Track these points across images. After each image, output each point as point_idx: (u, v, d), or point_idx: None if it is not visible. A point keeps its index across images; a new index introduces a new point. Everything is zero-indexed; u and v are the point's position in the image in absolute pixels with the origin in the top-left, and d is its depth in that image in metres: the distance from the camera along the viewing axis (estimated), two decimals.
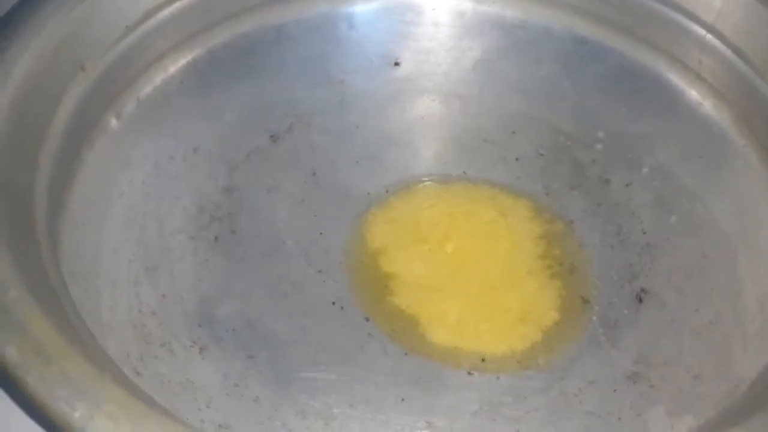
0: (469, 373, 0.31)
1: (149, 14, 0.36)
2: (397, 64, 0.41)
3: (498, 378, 0.30)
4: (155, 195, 0.36)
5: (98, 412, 0.19)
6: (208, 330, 0.32)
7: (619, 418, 0.29)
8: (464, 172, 0.38)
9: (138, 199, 0.35)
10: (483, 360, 0.31)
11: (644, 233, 0.35)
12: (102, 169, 0.34)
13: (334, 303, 0.33)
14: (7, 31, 0.31)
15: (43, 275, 0.25)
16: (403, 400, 0.30)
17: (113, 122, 0.36)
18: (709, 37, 0.35)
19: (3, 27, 0.31)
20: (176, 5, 0.37)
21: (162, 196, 0.36)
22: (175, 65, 0.38)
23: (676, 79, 0.37)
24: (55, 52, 0.31)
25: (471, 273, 0.34)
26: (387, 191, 0.37)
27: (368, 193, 0.37)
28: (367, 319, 0.32)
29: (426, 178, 0.38)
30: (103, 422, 0.19)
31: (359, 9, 0.41)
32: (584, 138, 0.38)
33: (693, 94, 0.36)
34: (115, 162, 0.35)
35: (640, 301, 0.33)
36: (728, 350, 0.29)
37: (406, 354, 0.31)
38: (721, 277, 0.32)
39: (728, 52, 0.35)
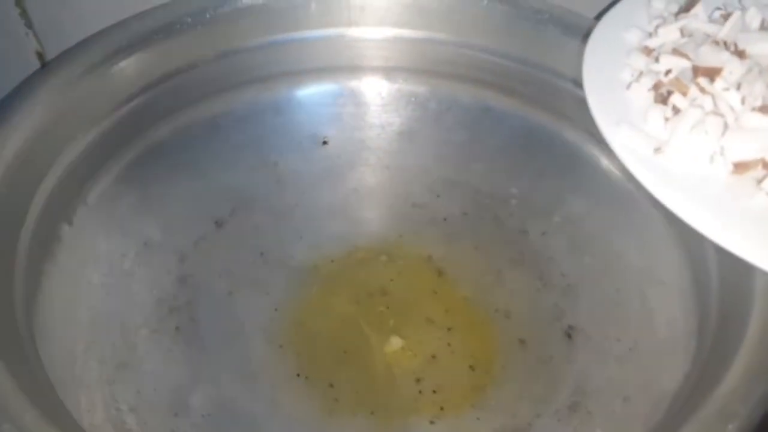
0: (431, 422, 0.34)
1: (96, 121, 0.38)
2: (325, 142, 0.45)
3: (457, 423, 0.34)
4: (114, 293, 0.37)
5: None
6: (185, 418, 0.33)
7: None
8: (400, 236, 0.42)
9: (99, 299, 0.37)
10: (442, 409, 0.34)
11: (563, 275, 0.39)
12: (62, 276, 0.36)
13: (298, 375, 0.36)
14: None
15: (35, 382, 0.27)
16: None
17: (66, 229, 0.37)
18: None
19: None
20: (120, 111, 0.39)
21: (120, 294, 0.37)
22: (118, 165, 0.40)
23: (573, 137, 0.41)
24: (18, 169, 0.33)
25: (423, 331, 0.37)
26: (332, 261, 0.40)
27: (315, 266, 0.40)
28: (331, 386, 0.35)
29: (367, 246, 0.41)
30: None
31: (283, 96, 0.45)
32: (500, 195, 0.42)
33: (589, 149, 0.41)
34: (72, 267, 0.36)
35: (569, 336, 0.37)
36: (649, 371, 0.34)
37: (372, 413, 0.34)
38: (634, 307, 0.37)
39: None
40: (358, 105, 0.45)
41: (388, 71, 0.45)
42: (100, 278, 0.37)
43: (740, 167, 0.28)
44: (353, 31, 0.43)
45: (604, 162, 0.41)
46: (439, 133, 0.45)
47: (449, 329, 0.37)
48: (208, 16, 0.41)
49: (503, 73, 0.43)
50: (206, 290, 0.39)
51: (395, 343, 0.36)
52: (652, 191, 0.28)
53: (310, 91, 0.45)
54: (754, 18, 0.32)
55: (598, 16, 0.38)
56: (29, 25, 0.48)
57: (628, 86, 0.31)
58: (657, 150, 0.29)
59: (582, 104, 0.41)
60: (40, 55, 0.49)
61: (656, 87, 0.31)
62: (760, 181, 0.27)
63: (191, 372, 0.35)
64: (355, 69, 0.45)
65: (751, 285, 0.29)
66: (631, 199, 0.39)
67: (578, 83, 0.40)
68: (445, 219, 0.42)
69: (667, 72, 0.31)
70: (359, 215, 0.43)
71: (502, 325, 0.38)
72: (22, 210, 0.34)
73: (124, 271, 0.38)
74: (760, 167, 0.28)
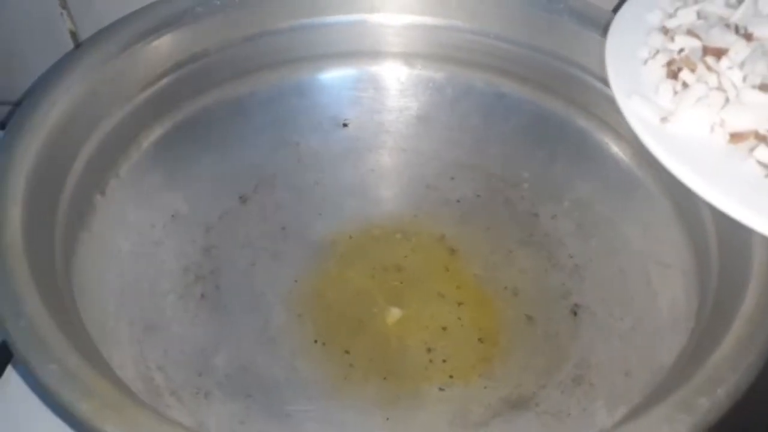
0: (441, 389, 0.36)
1: (128, 99, 0.40)
2: (345, 125, 0.46)
3: (465, 391, 0.36)
4: (143, 261, 0.39)
5: None
6: (209, 377, 0.36)
7: (569, 414, 0.34)
8: (415, 216, 0.43)
9: (128, 266, 0.39)
10: (451, 377, 0.36)
11: (571, 257, 0.41)
12: (94, 244, 0.38)
13: (316, 341, 0.38)
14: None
15: (77, 335, 0.29)
16: (387, 419, 0.35)
17: (99, 199, 0.39)
18: (607, 89, 0.42)
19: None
20: (150, 90, 0.41)
21: (149, 262, 0.40)
22: (147, 141, 0.42)
23: (584, 124, 0.43)
24: (56, 142, 0.35)
25: (435, 305, 0.39)
26: (350, 237, 0.42)
27: (333, 241, 0.42)
28: (347, 352, 0.37)
29: (382, 224, 0.43)
30: None
31: (306, 80, 0.46)
32: (512, 179, 0.44)
33: (599, 136, 0.43)
34: (105, 235, 0.38)
35: (575, 314, 0.39)
36: (650, 348, 0.35)
37: (385, 378, 0.36)
38: (638, 287, 0.38)
39: None
40: (377, 89, 0.47)
41: (407, 57, 0.46)
42: (130, 246, 0.39)
43: (736, 137, 0.30)
44: (375, 18, 0.45)
45: (614, 148, 0.42)
46: (455, 117, 0.46)
47: (460, 304, 0.39)
48: (236, 0, 0.43)
49: (518, 60, 0.45)
50: (230, 261, 0.41)
51: (395, 313, 0.38)
52: (656, 155, 0.30)
53: (332, 75, 0.46)
54: (766, 4, 0.34)
55: (615, 9, 0.40)
56: (64, 5, 0.50)
57: (645, 62, 0.33)
58: (663, 119, 0.31)
59: (593, 92, 0.43)
60: (74, 35, 0.51)
61: (669, 64, 0.33)
62: (752, 150, 0.30)
63: (215, 336, 0.37)
64: (375, 54, 0.46)
65: (747, 267, 0.31)
66: (638, 184, 0.41)
67: (590, 71, 0.42)
68: (458, 200, 0.44)
69: (680, 51, 0.33)
70: (376, 194, 0.45)
71: (511, 302, 0.39)
72: (61, 180, 0.36)
73: (152, 241, 0.40)
74: (752, 137, 0.30)
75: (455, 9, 0.44)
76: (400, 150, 0.46)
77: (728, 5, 0.35)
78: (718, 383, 0.26)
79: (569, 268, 0.41)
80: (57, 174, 0.36)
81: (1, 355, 0.36)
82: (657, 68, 0.33)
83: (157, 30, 0.42)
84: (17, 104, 0.48)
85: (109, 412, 0.25)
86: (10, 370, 0.37)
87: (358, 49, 0.46)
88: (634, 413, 0.26)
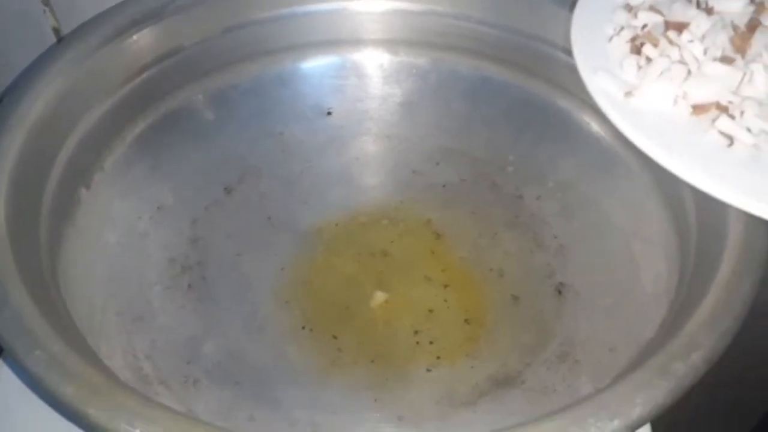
0: (428, 370, 0.36)
1: (110, 93, 0.40)
2: (329, 113, 0.47)
3: (452, 371, 0.36)
4: (130, 253, 0.40)
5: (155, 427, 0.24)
6: (197, 366, 0.36)
7: (555, 390, 0.35)
8: (401, 201, 0.44)
9: (115, 259, 0.39)
10: (438, 358, 0.36)
11: (555, 237, 0.41)
12: (80, 237, 0.38)
13: (303, 327, 0.38)
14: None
15: (63, 324, 0.29)
16: (375, 400, 0.35)
17: (84, 192, 0.39)
18: None
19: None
20: (132, 83, 0.41)
21: (136, 253, 0.40)
22: (131, 134, 0.43)
23: (566, 105, 0.43)
24: (39, 136, 0.36)
25: (421, 288, 0.39)
26: (336, 225, 0.42)
27: (319, 228, 0.42)
28: (335, 337, 0.37)
29: (368, 210, 0.43)
30: None
31: (288, 69, 0.47)
32: (497, 162, 0.44)
33: (581, 116, 0.43)
34: (91, 228, 0.39)
35: (559, 293, 0.39)
36: (634, 323, 0.36)
37: (373, 361, 0.36)
38: (621, 265, 0.39)
39: None
40: (360, 77, 0.47)
41: (390, 44, 0.46)
42: (116, 238, 0.39)
43: (698, 109, 0.31)
44: (355, 5, 0.45)
45: (595, 128, 0.42)
46: (439, 103, 0.46)
47: (446, 286, 0.39)
48: None
49: (500, 44, 0.45)
50: (216, 251, 0.41)
51: (381, 297, 0.38)
52: (621, 129, 0.30)
53: (314, 64, 0.47)
54: None
55: None
56: (46, 2, 0.50)
57: (610, 39, 0.34)
58: (628, 94, 0.32)
59: (575, 73, 0.43)
60: (57, 31, 0.51)
61: (633, 39, 0.33)
62: (714, 120, 0.30)
63: (203, 324, 0.37)
64: (357, 42, 0.46)
65: (723, 239, 0.31)
66: (620, 163, 0.41)
67: (570, 52, 0.43)
68: (443, 185, 0.44)
69: (644, 26, 0.33)
70: (362, 182, 0.45)
71: (496, 283, 0.40)
72: (45, 175, 0.37)
73: (138, 233, 0.40)
74: (714, 108, 0.31)
75: None
76: (384, 137, 0.46)
77: None
78: (694, 348, 0.26)
79: (554, 248, 0.41)
80: (41, 168, 0.36)
81: None
82: (621, 44, 0.34)
83: (138, 23, 0.42)
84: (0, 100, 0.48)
85: (94, 395, 0.25)
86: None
87: (340, 37, 0.46)
88: (614, 381, 0.26)
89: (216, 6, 0.43)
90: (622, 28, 0.34)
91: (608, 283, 0.38)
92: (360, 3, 0.45)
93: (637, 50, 0.33)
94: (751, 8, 0.33)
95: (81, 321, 0.32)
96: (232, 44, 0.44)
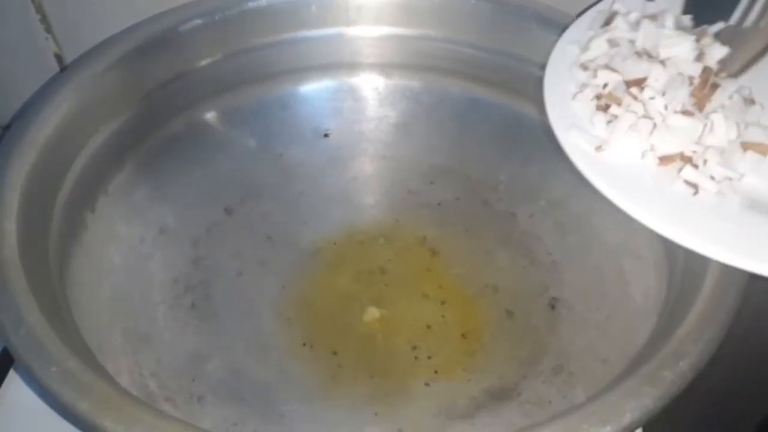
0: (426, 385, 0.37)
1: (114, 118, 0.42)
2: (326, 135, 0.48)
3: (450, 385, 0.37)
4: (134, 273, 0.41)
5: None
6: (202, 383, 0.37)
7: (550, 402, 0.36)
8: (397, 220, 0.45)
9: (120, 280, 0.40)
10: (436, 372, 0.37)
11: (549, 254, 0.43)
12: (86, 259, 0.39)
13: (304, 344, 0.39)
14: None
15: (75, 342, 0.30)
16: (375, 414, 0.36)
17: (89, 215, 0.41)
18: None
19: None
20: (135, 109, 0.43)
21: (140, 275, 0.41)
22: (134, 158, 0.44)
23: None
24: (46, 162, 0.37)
25: (418, 305, 0.40)
26: (335, 243, 0.44)
27: (319, 248, 0.43)
28: (335, 353, 0.38)
29: (366, 229, 0.44)
30: None
31: (287, 92, 0.48)
32: (489, 181, 0.46)
33: None
34: (96, 250, 0.40)
35: (553, 308, 0.40)
36: (626, 335, 0.37)
37: (372, 377, 0.37)
38: (612, 280, 0.40)
39: None
40: (356, 99, 0.49)
41: (384, 67, 0.48)
42: (121, 260, 0.40)
43: (665, 160, 0.33)
44: (352, 30, 0.47)
45: None
46: (432, 124, 0.48)
47: (443, 303, 0.41)
48: (216, 18, 0.44)
49: (490, 67, 0.46)
50: (218, 271, 0.42)
51: (380, 314, 0.39)
52: (593, 183, 0.32)
53: (313, 87, 0.48)
54: (667, 18, 0.36)
55: (580, 13, 0.42)
56: (48, 29, 0.51)
57: (574, 97, 0.36)
58: (598, 148, 0.33)
59: None
60: (59, 58, 0.53)
61: (598, 98, 0.35)
62: (679, 171, 0.32)
63: (206, 343, 0.38)
64: (353, 66, 0.48)
65: None
66: None
67: None
68: (438, 204, 0.46)
69: (605, 85, 0.35)
70: (359, 201, 0.46)
71: (492, 299, 0.41)
72: (52, 198, 0.38)
73: (142, 254, 0.41)
74: (678, 159, 0.32)
75: (428, 19, 0.46)
76: (380, 157, 0.48)
77: (632, 28, 0.37)
78: (681, 357, 0.28)
79: (547, 264, 0.42)
80: (48, 192, 0.37)
81: (3, 360, 0.37)
82: (587, 102, 0.35)
83: (140, 50, 0.43)
84: (7, 128, 0.49)
85: (109, 409, 0.26)
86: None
87: (337, 62, 0.48)
88: (606, 389, 0.27)
89: (218, 32, 0.44)
90: (584, 86, 0.36)
91: (600, 297, 0.40)
92: (356, 29, 0.46)
93: (603, 108, 0.34)
94: (696, 51, 0.35)
95: (89, 339, 0.33)
96: (233, 69, 0.46)
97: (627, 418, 0.26)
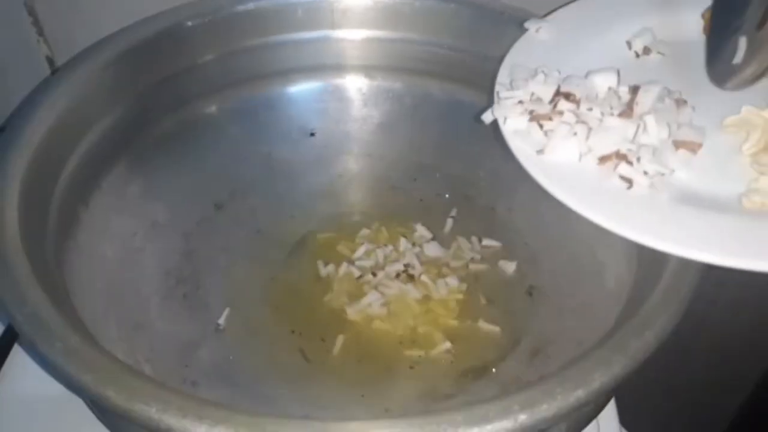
0: (411, 368, 0.39)
1: (106, 117, 0.43)
2: (312, 134, 0.50)
3: (433, 368, 0.39)
4: (127, 266, 0.42)
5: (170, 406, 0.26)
6: (195, 368, 0.38)
7: (528, 382, 0.37)
8: (381, 215, 0.47)
9: (114, 272, 0.41)
10: (420, 356, 0.39)
11: (526, 244, 0.45)
12: (81, 252, 0.40)
13: (293, 331, 0.40)
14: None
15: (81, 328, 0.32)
16: (362, 396, 0.37)
17: (83, 210, 0.42)
18: None
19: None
20: (127, 108, 0.44)
21: (133, 267, 0.42)
22: (128, 154, 0.45)
23: None
24: (41, 160, 0.38)
25: (406, 292, 0.42)
26: (321, 237, 0.45)
27: (305, 241, 0.45)
28: (323, 340, 0.40)
29: (351, 223, 0.46)
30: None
31: (275, 93, 0.50)
32: (469, 178, 0.48)
33: None
34: (90, 244, 0.41)
35: (530, 295, 0.42)
36: (599, 318, 0.38)
37: (359, 361, 0.39)
38: (586, 268, 0.42)
39: None
40: (341, 100, 0.50)
41: (368, 69, 0.50)
42: (114, 253, 0.42)
43: (603, 159, 0.35)
44: (337, 33, 0.48)
45: None
46: (414, 124, 0.50)
47: (426, 292, 0.42)
48: (207, 20, 0.46)
49: (470, 69, 0.48)
50: (209, 263, 0.43)
51: (359, 302, 0.41)
52: (538, 181, 0.35)
53: (299, 88, 0.50)
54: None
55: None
56: (40, 32, 0.53)
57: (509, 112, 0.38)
58: (539, 151, 0.36)
59: None
60: (50, 60, 0.54)
61: (530, 112, 0.37)
62: (615, 167, 0.35)
63: (198, 331, 0.40)
64: (338, 68, 0.50)
65: None
66: None
67: None
68: (420, 199, 0.47)
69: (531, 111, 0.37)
70: (344, 197, 0.48)
71: (472, 286, 0.43)
72: (48, 194, 0.39)
73: (135, 248, 0.43)
74: (614, 157, 0.35)
75: (410, 23, 0.48)
76: (365, 155, 0.49)
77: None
78: (646, 327, 0.30)
79: (525, 254, 0.44)
80: (45, 188, 0.39)
81: (7, 336, 0.39)
82: (519, 117, 0.38)
83: (131, 52, 0.45)
84: (2, 129, 0.50)
85: (111, 381, 0.27)
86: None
87: (323, 63, 0.49)
88: (578, 358, 0.29)
89: (208, 34, 0.46)
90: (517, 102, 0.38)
91: (575, 284, 0.41)
92: (342, 32, 0.48)
93: (536, 120, 0.37)
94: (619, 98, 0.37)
95: (87, 325, 0.34)
96: (222, 70, 0.47)
97: (597, 383, 0.28)
